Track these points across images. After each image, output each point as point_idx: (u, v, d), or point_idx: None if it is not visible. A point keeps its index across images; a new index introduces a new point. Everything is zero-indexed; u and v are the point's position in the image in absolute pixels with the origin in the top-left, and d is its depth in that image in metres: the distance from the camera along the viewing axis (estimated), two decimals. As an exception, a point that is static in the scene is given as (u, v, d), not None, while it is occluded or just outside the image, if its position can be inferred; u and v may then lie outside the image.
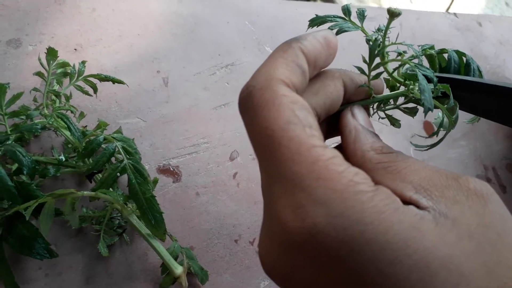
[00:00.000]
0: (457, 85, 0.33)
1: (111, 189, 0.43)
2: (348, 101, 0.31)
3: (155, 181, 0.47)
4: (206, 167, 0.52)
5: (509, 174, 0.71)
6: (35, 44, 0.50)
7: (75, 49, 0.52)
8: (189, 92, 0.55)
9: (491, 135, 0.74)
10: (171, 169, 0.50)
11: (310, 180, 0.21)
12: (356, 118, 0.28)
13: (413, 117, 0.32)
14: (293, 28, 0.67)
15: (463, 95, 0.33)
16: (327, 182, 0.21)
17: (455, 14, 0.85)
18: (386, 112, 0.33)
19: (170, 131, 0.52)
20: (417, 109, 0.32)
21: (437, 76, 0.34)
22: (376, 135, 0.28)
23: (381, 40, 0.30)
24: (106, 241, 0.43)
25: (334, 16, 0.34)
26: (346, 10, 0.33)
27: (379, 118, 0.33)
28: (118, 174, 0.40)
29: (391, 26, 0.30)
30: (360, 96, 0.31)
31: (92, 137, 0.41)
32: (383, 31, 0.31)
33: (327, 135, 0.32)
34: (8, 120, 0.43)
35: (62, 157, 0.43)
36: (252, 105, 0.23)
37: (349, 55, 0.64)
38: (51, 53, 0.43)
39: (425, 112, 0.29)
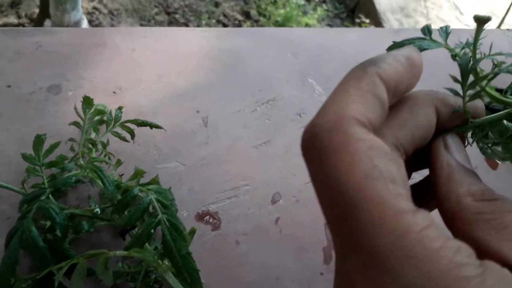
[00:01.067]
0: None
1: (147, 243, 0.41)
2: (441, 129, 0.25)
3: (193, 231, 0.45)
4: (246, 212, 0.49)
5: None
6: (75, 89, 0.50)
7: (114, 92, 0.51)
8: (229, 131, 0.53)
9: None
10: (210, 215, 0.48)
11: (398, 259, 0.17)
12: (450, 151, 0.23)
13: None
14: (339, 56, 0.63)
15: None
16: (420, 263, 0.16)
17: (517, 30, 0.78)
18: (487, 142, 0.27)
19: (209, 174, 0.50)
20: None
21: None
22: (475, 174, 0.23)
23: (471, 53, 0.25)
24: (142, 298, 0.41)
25: (413, 39, 0.29)
26: (426, 30, 0.28)
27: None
28: (152, 230, 0.38)
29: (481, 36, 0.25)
30: (455, 123, 0.25)
31: (127, 188, 0.40)
32: (472, 44, 0.25)
33: (412, 168, 0.27)
34: (46, 170, 0.42)
35: (98, 210, 0.42)
36: (318, 151, 0.19)
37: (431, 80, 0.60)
38: (87, 101, 0.42)
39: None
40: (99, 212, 0.42)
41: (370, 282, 0.17)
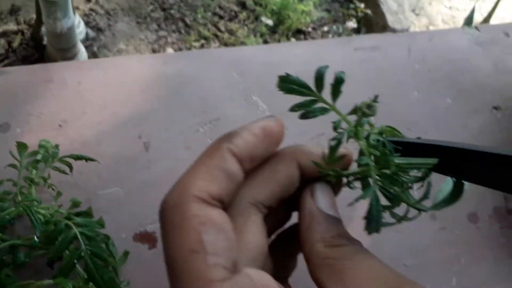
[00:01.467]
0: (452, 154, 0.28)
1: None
2: (310, 179, 0.28)
3: (126, 253, 0.49)
4: (185, 232, 0.53)
5: (538, 207, 0.64)
6: (23, 126, 0.54)
7: (60, 125, 0.55)
8: (171, 154, 0.57)
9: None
10: (147, 235, 0.52)
11: None
12: (315, 199, 0.26)
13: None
14: (285, 71, 0.65)
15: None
16: None
17: (476, 28, 0.77)
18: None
19: (149, 197, 0.54)
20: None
21: (421, 144, 0.29)
22: (335, 220, 0.25)
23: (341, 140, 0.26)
24: (77, 320, 0.46)
25: (302, 86, 0.30)
26: (319, 81, 0.28)
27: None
28: (76, 260, 0.42)
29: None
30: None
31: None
32: (355, 129, 0.26)
33: (289, 213, 0.30)
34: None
35: (36, 239, 0.46)
36: (162, 226, 0.23)
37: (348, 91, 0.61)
38: (21, 146, 0.47)
39: (368, 232, 0.26)
40: (37, 242, 0.47)
41: None
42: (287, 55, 0.66)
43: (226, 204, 0.24)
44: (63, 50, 1.48)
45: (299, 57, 0.67)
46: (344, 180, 0.29)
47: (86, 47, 1.67)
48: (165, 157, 0.56)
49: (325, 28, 2.05)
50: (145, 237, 0.52)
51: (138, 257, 0.51)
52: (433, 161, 0.26)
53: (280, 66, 0.65)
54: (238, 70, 0.64)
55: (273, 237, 0.30)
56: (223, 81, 0.62)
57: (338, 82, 0.27)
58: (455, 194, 0.26)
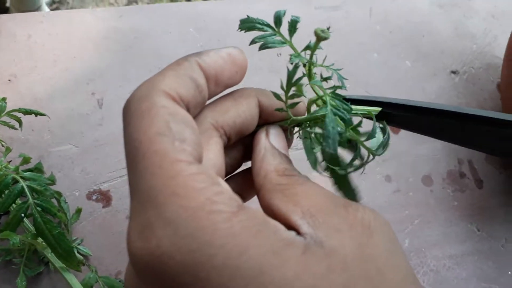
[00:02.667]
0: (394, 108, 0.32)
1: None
2: (266, 122, 0.29)
3: (79, 210, 0.49)
4: (139, 188, 0.53)
5: (489, 166, 0.66)
6: (-31, 80, 0.52)
7: (9, 80, 0.54)
8: (126, 112, 0.56)
9: (470, 125, 0.69)
10: (101, 193, 0.52)
11: (164, 196, 0.19)
12: (269, 137, 0.27)
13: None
14: (244, 29, 0.64)
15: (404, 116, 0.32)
16: (180, 199, 0.19)
17: (438, -11, 0.78)
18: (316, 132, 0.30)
19: (103, 154, 0.53)
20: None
21: (367, 100, 0.32)
22: (287, 157, 0.27)
23: (301, 64, 0.28)
24: (28, 273, 0.46)
25: (263, 24, 0.32)
26: (278, 19, 0.30)
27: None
28: (23, 215, 0.42)
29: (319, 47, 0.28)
30: (279, 118, 0.29)
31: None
32: (310, 53, 0.28)
33: (244, 158, 0.31)
34: None
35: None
36: (127, 115, 0.22)
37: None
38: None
39: (325, 159, 0.28)
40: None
41: (140, 217, 0.20)
42: (245, 11, 0.65)
43: (191, 115, 0.24)
44: (27, 13, 1.42)
45: (257, 14, 0.65)
46: (296, 129, 0.30)
47: (52, 10, 1.61)
48: (119, 115, 0.55)
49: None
50: (99, 195, 0.52)
51: (92, 215, 0.51)
52: (376, 109, 0.31)
53: (238, 22, 0.64)
54: (196, 26, 0.62)
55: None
56: (179, 37, 0.61)
57: (294, 22, 0.29)
58: (386, 138, 0.28)
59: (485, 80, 0.72)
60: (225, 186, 0.21)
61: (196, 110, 0.25)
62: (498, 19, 0.77)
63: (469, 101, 0.71)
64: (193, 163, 0.21)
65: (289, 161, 0.27)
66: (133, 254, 0.19)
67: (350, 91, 0.66)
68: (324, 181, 0.29)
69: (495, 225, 0.61)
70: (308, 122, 0.29)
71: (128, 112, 0.22)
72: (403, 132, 0.65)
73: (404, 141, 0.65)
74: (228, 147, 0.29)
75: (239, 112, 0.27)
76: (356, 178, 0.60)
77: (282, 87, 0.28)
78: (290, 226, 0.21)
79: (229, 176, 0.31)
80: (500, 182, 0.64)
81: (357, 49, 0.69)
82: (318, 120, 0.29)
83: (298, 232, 0.21)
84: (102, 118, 0.55)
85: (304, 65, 0.28)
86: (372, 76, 0.68)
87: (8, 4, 1.53)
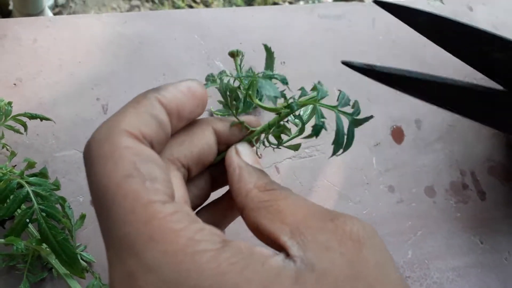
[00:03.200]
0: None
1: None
2: (228, 146, 0.29)
3: (83, 217, 0.49)
4: (143, 194, 0.53)
5: (491, 178, 0.66)
6: (-26, 83, 0.52)
7: (14, 84, 0.53)
8: (130, 117, 0.56)
9: (472, 134, 0.69)
10: (105, 199, 0.51)
11: (141, 243, 0.19)
12: (240, 155, 0.27)
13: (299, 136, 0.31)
14: (249, 36, 0.65)
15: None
16: (159, 244, 0.19)
17: (440, 0, 0.78)
18: (281, 141, 0.31)
19: (107, 160, 0.53)
20: (303, 127, 0.30)
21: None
22: (262, 172, 0.26)
23: (231, 80, 0.30)
24: (31, 279, 0.45)
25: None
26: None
27: (274, 148, 0.32)
28: (28, 220, 0.42)
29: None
30: (239, 137, 0.30)
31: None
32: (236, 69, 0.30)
33: (212, 187, 0.31)
34: None
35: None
36: (89, 160, 0.22)
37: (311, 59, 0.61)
38: (-30, 101, 0.45)
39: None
40: (-12, 203, 0.46)
41: (121, 266, 0.19)
42: (250, 19, 0.66)
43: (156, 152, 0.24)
44: (29, 16, 1.43)
45: (262, 22, 0.66)
46: (262, 137, 0.31)
47: (55, 15, 1.61)
48: (124, 120, 0.56)
49: (301, 3, 2.03)
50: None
51: (96, 221, 0.50)
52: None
53: (243, 30, 0.65)
54: (200, 33, 0.63)
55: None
56: (184, 44, 0.62)
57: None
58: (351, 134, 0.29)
59: (487, 90, 0.73)
60: (202, 222, 0.21)
61: (160, 146, 0.25)
62: (499, 30, 0.78)
63: (470, 111, 0.71)
64: (168, 201, 0.20)
65: (265, 174, 0.26)
66: None
67: (352, 101, 0.66)
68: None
69: (498, 238, 0.61)
70: (269, 126, 0.30)
71: (90, 157, 0.21)
72: (405, 142, 0.66)
73: (407, 151, 0.65)
74: (193, 178, 0.29)
75: (194, 142, 0.27)
76: (359, 188, 0.60)
77: (222, 103, 0.30)
78: (279, 246, 0.21)
79: (198, 208, 0.31)
80: (503, 194, 0.64)
81: (360, 58, 0.69)
82: (276, 120, 0.29)
83: (287, 254, 0.20)
84: (107, 124, 0.55)
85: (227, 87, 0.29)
86: (374, 86, 0.68)
87: (11, 7, 1.53)
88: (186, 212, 0.20)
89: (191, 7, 1.87)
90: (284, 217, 0.22)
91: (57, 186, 0.46)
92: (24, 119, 0.48)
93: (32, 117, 0.48)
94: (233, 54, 0.30)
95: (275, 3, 1.98)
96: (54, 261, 0.45)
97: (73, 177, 0.51)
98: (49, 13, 1.53)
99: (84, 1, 1.77)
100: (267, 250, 0.20)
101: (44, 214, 0.42)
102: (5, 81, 0.53)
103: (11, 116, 0.48)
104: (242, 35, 0.64)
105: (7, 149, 0.50)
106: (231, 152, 0.28)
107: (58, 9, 1.69)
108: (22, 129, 0.49)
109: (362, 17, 0.72)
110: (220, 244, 0.19)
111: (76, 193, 0.51)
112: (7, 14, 1.56)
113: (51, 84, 0.55)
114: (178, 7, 1.84)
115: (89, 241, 0.49)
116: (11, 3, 1.53)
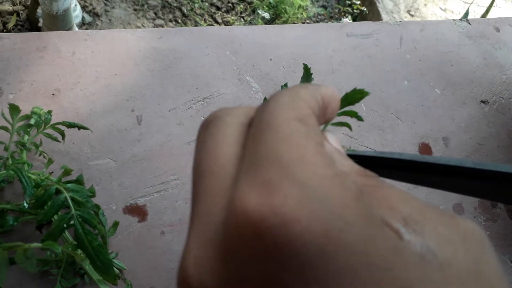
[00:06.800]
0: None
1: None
2: None
3: (116, 224, 0.50)
4: (174, 205, 0.53)
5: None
6: (15, 92, 0.54)
7: (53, 94, 0.55)
8: (163, 129, 0.57)
9: (500, 152, 0.68)
10: (138, 208, 0.52)
11: (292, 159, 0.17)
12: (328, 140, 0.26)
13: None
14: (278, 53, 0.66)
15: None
16: (310, 165, 0.17)
17: (467, 21, 0.79)
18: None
19: (140, 170, 0.54)
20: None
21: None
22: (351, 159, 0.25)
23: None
24: (64, 284, 0.46)
25: None
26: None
27: None
28: (65, 225, 0.42)
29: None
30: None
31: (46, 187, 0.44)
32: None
33: None
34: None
35: (25, 205, 0.47)
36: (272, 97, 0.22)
37: (339, 77, 0.62)
38: (13, 108, 0.47)
39: None
40: (26, 207, 0.47)
41: (263, 174, 0.17)
42: (280, 37, 0.67)
43: None
44: (71, 31, 1.47)
45: (292, 40, 0.68)
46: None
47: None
48: (157, 132, 0.57)
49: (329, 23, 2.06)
50: (135, 210, 0.52)
51: (127, 229, 0.51)
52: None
53: (273, 47, 0.66)
54: (232, 49, 0.64)
55: None
56: (216, 59, 0.63)
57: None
58: None
59: (516, 110, 0.73)
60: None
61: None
62: (527, 52, 0.78)
63: (499, 131, 0.70)
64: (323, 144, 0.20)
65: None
66: (243, 210, 0.16)
67: (381, 118, 0.67)
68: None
69: (530, 257, 0.60)
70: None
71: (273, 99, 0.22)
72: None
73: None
74: None
75: None
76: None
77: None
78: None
79: None
80: (534, 213, 0.63)
81: (388, 76, 0.70)
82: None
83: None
84: (140, 134, 0.56)
85: None
86: (402, 103, 0.69)
87: (40, 24, 1.58)
88: (338, 150, 0.22)
89: (210, 26, 1.91)
90: (393, 204, 0.20)
91: (93, 193, 0.47)
92: (62, 127, 0.50)
93: (70, 126, 0.49)
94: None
95: (294, 24, 2.01)
96: (88, 266, 0.45)
97: (106, 185, 0.52)
98: (77, 30, 1.58)
99: (110, 19, 1.83)
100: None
101: (80, 220, 0.42)
102: (44, 91, 0.55)
103: (50, 124, 0.49)
104: (272, 52, 0.66)
105: (44, 156, 0.51)
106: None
107: (85, 27, 1.74)
108: (59, 137, 0.50)
109: (389, 36, 0.73)
110: (358, 192, 0.18)
111: (108, 201, 0.52)
112: (36, 30, 1.61)
113: (87, 95, 0.56)
114: (198, 25, 1.88)
115: (121, 248, 0.50)
116: (40, 20, 1.58)
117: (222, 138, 0.21)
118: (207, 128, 0.22)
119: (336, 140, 0.26)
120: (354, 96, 0.29)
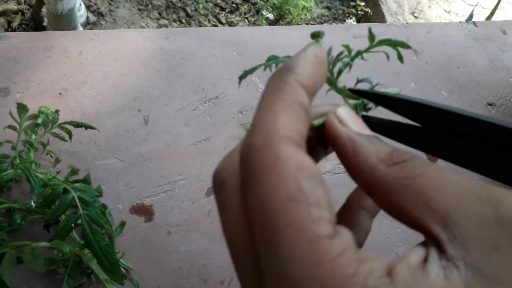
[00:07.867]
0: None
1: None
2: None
3: (123, 224, 0.50)
4: (180, 205, 0.53)
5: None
6: (22, 92, 0.54)
7: (60, 94, 0.55)
8: (169, 129, 0.57)
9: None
10: (144, 208, 0.52)
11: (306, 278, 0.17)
12: (345, 124, 0.22)
13: None
14: (284, 53, 0.66)
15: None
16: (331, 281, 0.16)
17: (474, 23, 0.79)
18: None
19: (146, 169, 0.54)
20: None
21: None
22: (378, 138, 0.21)
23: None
24: (71, 283, 0.46)
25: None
26: (317, 34, 0.30)
27: None
28: (73, 225, 0.42)
29: None
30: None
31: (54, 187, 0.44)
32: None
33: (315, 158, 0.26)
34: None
35: (33, 204, 0.47)
36: (249, 169, 0.19)
37: (346, 78, 0.62)
38: (21, 107, 0.47)
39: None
40: (33, 206, 0.47)
41: None
42: (286, 37, 0.67)
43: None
44: (78, 31, 1.47)
45: (298, 41, 0.68)
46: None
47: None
48: (163, 132, 0.57)
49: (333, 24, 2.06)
50: (141, 210, 0.52)
51: (134, 229, 0.51)
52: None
53: (280, 48, 0.66)
54: (238, 50, 0.64)
55: None
56: (223, 60, 0.63)
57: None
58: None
59: (522, 113, 0.72)
60: (367, 254, 0.18)
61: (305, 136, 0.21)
62: (534, 54, 0.78)
63: (505, 134, 0.70)
64: (334, 237, 0.17)
65: (382, 141, 0.21)
66: None
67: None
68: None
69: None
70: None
71: (249, 166, 0.19)
72: (440, 161, 0.65)
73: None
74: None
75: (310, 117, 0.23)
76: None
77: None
78: (428, 234, 0.18)
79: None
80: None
81: (394, 78, 0.70)
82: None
83: (440, 248, 0.18)
84: (147, 134, 0.56)
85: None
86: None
87: (45, 24, 1.59)
88: (351, 247, 0.18)
89: (216, 27, 1.91)
90: (429, 200, 0.18)
91: (100, 193, 0.47)
92: (69, 127, 0.50)
93: (78, 125, 0.49)
94: (314, 36, 0.27)
95: (298, 25, 2.01)
96: (95, 266, 0.45)
97: (113, 185, 0.52)
98: (80, 30, 1.58)
99: (114, 19, 1.83)
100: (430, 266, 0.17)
101: (88, 219, 0.42)
102: (51, 91, 0.55)
103: (57, 123, 0.49)
104: (279, 53, 0.65)
105: (51, 156, 0.51)
106: (333, 121, 0.22)
107: (89, 26, 1.75)
108: (66, 137, 0.50)
109: (396, 37, 0.73)
110: (392, 286, 0.17)
111: (115, 201, 0.52)
112: (41, 29, 1.61)
113: (94, 95, 0.56)
114: (204, 26, 1.88)
115: (127, 248, 0.50)
116: (45, 19, 1.58)
117: (230, 209, 0.21)
118: (218, 193, 0.22)
119: (352, 117, 0.23)
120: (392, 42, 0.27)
